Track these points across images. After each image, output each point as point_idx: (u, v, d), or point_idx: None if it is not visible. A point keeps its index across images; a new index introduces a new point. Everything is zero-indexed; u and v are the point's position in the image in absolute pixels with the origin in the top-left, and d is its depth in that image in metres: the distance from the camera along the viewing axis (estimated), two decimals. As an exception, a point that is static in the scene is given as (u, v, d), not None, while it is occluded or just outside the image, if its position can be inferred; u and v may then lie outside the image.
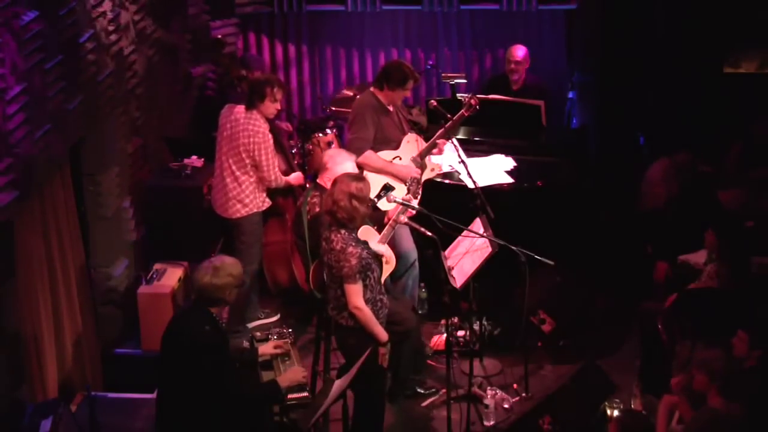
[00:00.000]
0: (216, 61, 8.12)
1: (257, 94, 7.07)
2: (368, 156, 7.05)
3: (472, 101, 7.22)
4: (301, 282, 7.07)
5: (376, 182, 6.80)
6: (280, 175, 7.20)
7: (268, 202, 7.30)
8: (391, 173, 7.06)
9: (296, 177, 7.39)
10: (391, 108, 7.22)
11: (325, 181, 6.62)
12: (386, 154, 7.15)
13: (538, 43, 9.34)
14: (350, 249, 5.73)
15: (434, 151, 7.27)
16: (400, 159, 7.18)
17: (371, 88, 7.25)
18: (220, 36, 7.90)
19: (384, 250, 6.20)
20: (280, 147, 7.71)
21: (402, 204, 6.28)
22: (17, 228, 5.55)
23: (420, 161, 7.21)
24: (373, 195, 6.53)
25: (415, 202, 6.72)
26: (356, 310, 5.76)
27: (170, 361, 5.44)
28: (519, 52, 8.68)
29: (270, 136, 7.10)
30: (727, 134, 8.17)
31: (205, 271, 5.45)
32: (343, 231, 5.81)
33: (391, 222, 6.31)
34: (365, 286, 5.79)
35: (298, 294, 7.34)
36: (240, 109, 7.14)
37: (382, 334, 5.81)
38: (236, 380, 5.46)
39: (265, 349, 5.88)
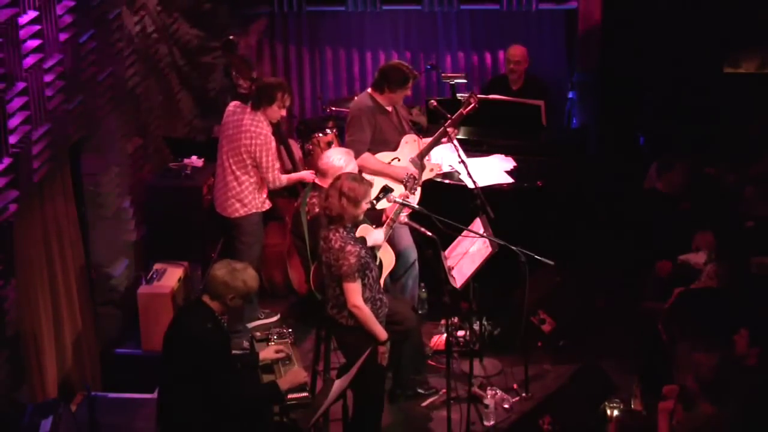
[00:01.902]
0: (228, 62, 8.15)
1: (266, 97, 7.06)
2: (365, 158, 7.04)
3: (472, 99, 7.22)
4: (297, 285, 7.07)
5: (374, 184, 6.80)
6: (279, 176, 7.19)
7: (268, 204, 7.30)
8: (388, 175, 7.05)
9: (308, 172, 7.39)
10: (390, 108, 7.22)
11: (326, 182, 6.62)
12: (384, 156, 7.15)
13: (538, 43, 9.34)
14: (349, 248, 5.73)
15: (443, 140, 7.22)
16: (399, 160, 7.17)
17: (369, 90, 7.24)
18: (232, 37, 7.92)
19: (381, 236, 6.15)
20: (287, 149, 7.72)
21: (402, 203, 6.27)
22: (17, 228, 5.55)
23: (419, 162, 7.20)
24: (371, 197, 6.54)
25: (414, 199, 6.71)
26: (355, 308, 5.76)
27: (172, 358, 5.44)
28: (518, 52, 8.69)
29: (272, 138, 7.10)
30: (727, 134, 8.17)
31: (223, 266, 5.49)
32: (341, 230, 5.82)
33: (388, 221, 6.31)
34: (364, 285, 5.79)
35: (295, 295, 7.35)
36: (244, 108, 7.14)
37: (382, 333, 5.81)
38: (237, 380, 5.46)
39: (267, 353, 5.86)
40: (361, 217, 5.98)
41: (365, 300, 5.80)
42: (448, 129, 7.13)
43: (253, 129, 7.03)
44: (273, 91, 7.06)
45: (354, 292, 5.76)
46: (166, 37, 8.14)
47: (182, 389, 5.38)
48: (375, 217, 6.55)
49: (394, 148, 7.19)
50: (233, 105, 7.24)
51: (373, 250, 6.06)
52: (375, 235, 6.10)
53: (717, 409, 4.99)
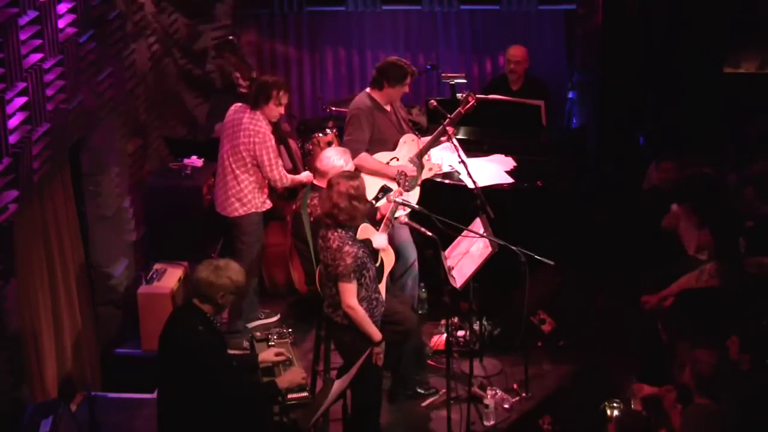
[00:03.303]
0: (227, 61, 8.17)
1: (263, 95, 7.07)
2: (363, 158, 7.04)
3: (470, 98, 7.22)
4: (299, 285, 7.07)
5: (372, 184, 6.80)
6: (285, 173, 7.19)
7: (268, 204, 7.30)
8: (386, 175, 7.05)
9: (306, 175, 7.37)
10: (388, 108, 7.21)
11: (323, 182, 6.63)
12: (383, 156, 7.14)
13: (538, 43, 9.34)
14: (346, 248, 5.73)
15: (442, 139, 7.21)
16: (397, 160, 7.17)
17: (367, 89, 7.24)
18: (231, 37, 7.94)
19: (384, 242, 6.16)
20: (287, 148, 7.72)
21: (402, 203, 6.27)
22: (17, 228, 5.55)
23: (417, 161, 7.20)
24: (370, 197, 6.54)
25: (413, 198, 6.69)
26: (349, 309, 5.76)
27: (167, 361, 5.44)
28: (518, 52, 8.68)
29: (271, 136, 7.10)
30: (727, 134, 8.17)
31: (206, 267, 5.44)
32: (340, 230, 5.81)
33: (386, 220, 6.30)
34: (360, 285, 5.79)
35: (295, 295, 7.34)
36: (244, 108, 7.14)
37: (376, 334, 5.81)
38: (233, 380, 5.45)
39: (266, 355, 5.85)
40: None
41: (361, 299, 5.80)
42: (447, 128, 7.14)
43: (251, 128, 7.04)
44: (269, 89, 7.07)
45: (349, 292, 5.75)
46: (167, 36, 8.14)
47: (180, 391, 5.37)
48: (369, 215, 6.55)
49: (393, 148, 7.19)
50: (235, 105, 7.24)
51: (374, 249, 6.06)
52: (379, 240, 6.09)
53: (713, 404, 5.00)
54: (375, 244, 6.00)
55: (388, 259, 6.29)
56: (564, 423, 6.02)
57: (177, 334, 5.40)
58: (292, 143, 7.98)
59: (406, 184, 6.80)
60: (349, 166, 6.61)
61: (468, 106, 7.20)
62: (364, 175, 6.88)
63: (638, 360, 6.73)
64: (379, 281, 6.04)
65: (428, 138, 7.28)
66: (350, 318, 5.79)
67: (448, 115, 7.13)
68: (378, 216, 6.41)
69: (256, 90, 7.15)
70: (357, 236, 5.91)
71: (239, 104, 7.24)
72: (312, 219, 6.59)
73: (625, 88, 8.90)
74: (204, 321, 5.41)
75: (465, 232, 6.36)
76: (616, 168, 8.85)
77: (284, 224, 7.65)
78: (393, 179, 6.93)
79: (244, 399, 5.46)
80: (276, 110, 7.12)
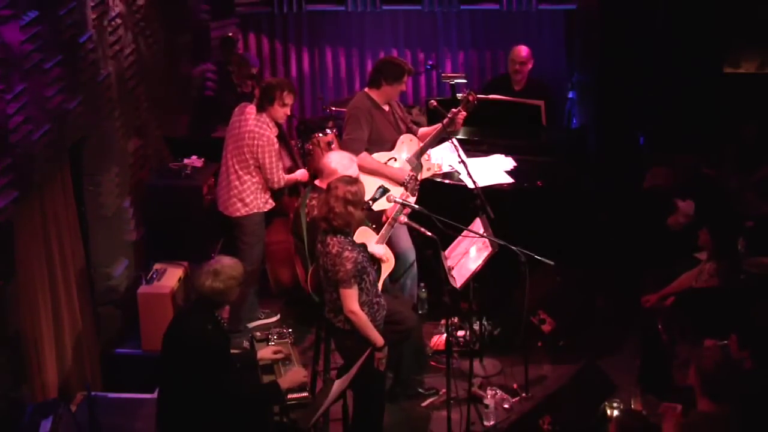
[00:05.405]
0: (227, 59, 8.14)
1: (267, 97, 7.08)
2: (362, 158, 7.03)
3: (470, 98, 7.22)
4: (304, 282, 7.07)
5: (370, 184, 6.79)
6: (283, 176, 7.20)
7: (270, 203, 7.30)
8: (385, 175, 7.05)
9: (302, 173, 7.37)
10: (386, 107, 7.21)
11: (325, 184, 6.61)
12: (381, 156, 7.14)
13: (538, 43, 9.34)
14: (346, 253, 5.71)
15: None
16: (395, 160, 7.17)
17: (365, 89, 7.24)
18: (230, 34, 7.91)
19: (382, 251, 6.19)
20: (286, 146, 7.72)
21: (402, 204, 6.27)
22: (17, 228, 5.55)
23: (416, 161, 7.20)
24: (367, 197, 6.53)
25: (413, 200, 6.70)
26: (351, 314, 5.74)
27: (171, 360, 5.44)
28: (523, 52, 8.65)
29: (275, 140, 7.10)
30: (727, 134, 8.17)
31: (206, 277, 5.44)
32: (339, 235, 5.80)
33: (389, 221, 6.30)
34: (361, 290, 5.76)
35: (300, 294, 7.34)
36: (251, 109, 7.16)
37: (378, 339, 5.78)
38: (237, 381, 5.46)
39: (265, 353, 5.87)
40: None
41: (362, 304, 5.77)
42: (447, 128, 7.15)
43: (256, 130, 7.05)
44: (272, 90, 7.08)
45: (350, 297, 5.73)
46: (166, 36, 8.14)
47: (182, 390, 5.38)
48: (374, 218, 6.55)
49: (391, 147, 7.19)
50: (242, 105, 7.26)
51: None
52: (375, 249, 6.09)
53: (716, 406, 4.99)
54: (369, 250, 5.99)
55: (387, 264, 6.29)
56: (564, 423, 6.01)
57: (185, 333, 5.41)
58: (293, 143, 7.98)
59: (416, 188, 6.80)
60: (353, 172, 6.58)
61: (468, 106, 7.20)
62: (363, 175, 6.90)
63: (638, 360, 6.73)
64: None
65: (427, 129, 7.27)
66: (352, 323, 5.77)
67: (449, 116, 7.13)
68: (384, 219, 6.41)
69: (261, 93, 7.17)
70: (354, 238, 5.91)
71: (245, 104, 7.25)
72: (308, 219, 6.59)
73: (625, 88, 8.90)
74: (212, 320, 5.43)
75: (465, 232, 6.36)
76: (616, 168, 8.84)
77: (288, 221, 7.64)
78: (397, 181, 6.93)
79: (246, 399, 5.46)
80: (281, 111, 7.13)
